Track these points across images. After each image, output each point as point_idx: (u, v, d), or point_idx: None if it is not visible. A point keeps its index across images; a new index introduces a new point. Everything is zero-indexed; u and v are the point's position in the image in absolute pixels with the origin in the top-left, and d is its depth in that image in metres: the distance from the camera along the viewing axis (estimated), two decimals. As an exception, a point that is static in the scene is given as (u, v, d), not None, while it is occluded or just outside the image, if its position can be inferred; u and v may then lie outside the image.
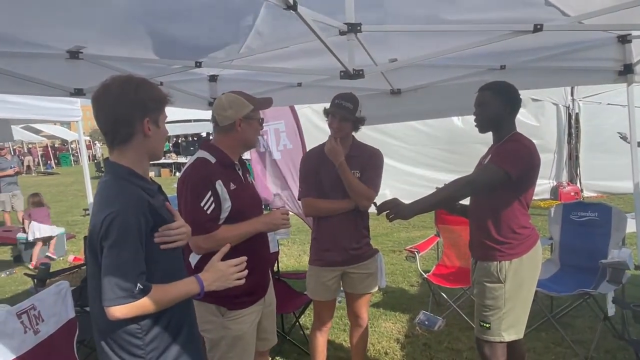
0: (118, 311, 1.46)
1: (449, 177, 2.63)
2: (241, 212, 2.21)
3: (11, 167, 9.07)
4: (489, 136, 2.56)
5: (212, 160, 2.21)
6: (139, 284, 1.47)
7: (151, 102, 1.59)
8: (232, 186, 2.20)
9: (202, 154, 2.24)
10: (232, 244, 2.11)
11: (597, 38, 2.89)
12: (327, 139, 2.81)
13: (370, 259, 2.92)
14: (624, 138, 6.53)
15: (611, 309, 3.35)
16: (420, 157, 9.44)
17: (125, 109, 1.55)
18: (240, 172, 2.32)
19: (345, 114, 2.72)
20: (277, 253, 4.22)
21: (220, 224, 2.16)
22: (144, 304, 1.49)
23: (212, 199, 2.12)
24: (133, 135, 1.58)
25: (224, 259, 2.18)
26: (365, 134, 2.97)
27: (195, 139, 22.55)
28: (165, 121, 1.69)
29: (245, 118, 2.22)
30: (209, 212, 2.11)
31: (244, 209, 2.23)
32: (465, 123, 8.63)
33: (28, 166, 24.85)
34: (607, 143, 8.87)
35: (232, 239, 2.13)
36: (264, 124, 5.11)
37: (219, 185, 2.15)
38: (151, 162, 1.75)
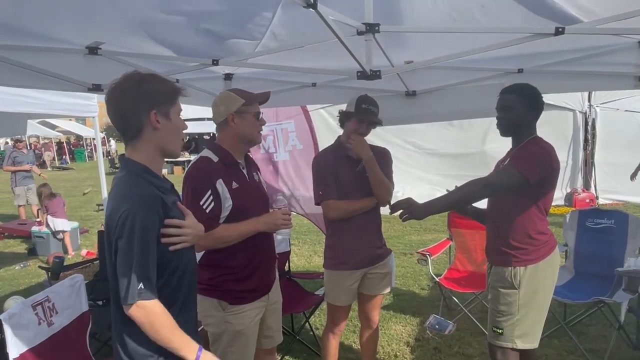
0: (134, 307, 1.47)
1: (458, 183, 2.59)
2: (243, 211, 2.21)
3: (27, 163, 9.22)
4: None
5: (215, 159, 2.22)
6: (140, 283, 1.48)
7: (157, 95, 1.58)
8: (234, 185, 2.21)
9: (206, 153, 2.27)
10: (231, 243, 2.16)
11: (617, 43, 2.83)
12: (337, 139, 2.81)
13: (387, 258, 2.94)
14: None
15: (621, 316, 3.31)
16: (429, 159, 9.39)
17: (130, 102, 1.55)
18: (244, 171, 2.32)
19: (373, 119, 2.73)
20: (288, 253, 4.22)
21: (220, 223, 2.17)
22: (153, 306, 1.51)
23: (211, 197, 2.13)
24: (142, 128, 1.58)
25: (226, 257, 2.21)
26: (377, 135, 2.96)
27: (207, 138, 22.67)
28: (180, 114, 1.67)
29: (238, 112, 2.23)
30: (207, 210, 2.12)
31: (247, 208, 2.23)
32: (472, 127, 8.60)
33: (43, 161, 25.19)
34: (624, 150, 8.75)
35: (230, 238, 2.16)
36: (273, 124, 5.09)
37: (220, 184, 2.16)
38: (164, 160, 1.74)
